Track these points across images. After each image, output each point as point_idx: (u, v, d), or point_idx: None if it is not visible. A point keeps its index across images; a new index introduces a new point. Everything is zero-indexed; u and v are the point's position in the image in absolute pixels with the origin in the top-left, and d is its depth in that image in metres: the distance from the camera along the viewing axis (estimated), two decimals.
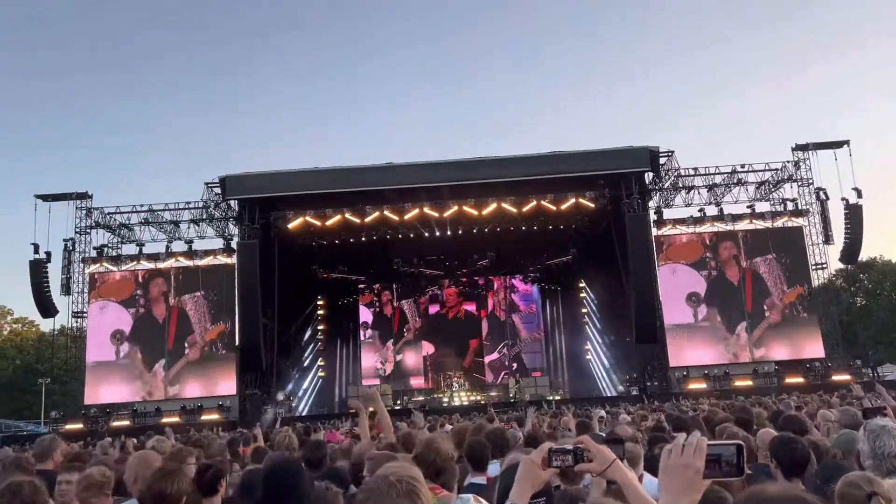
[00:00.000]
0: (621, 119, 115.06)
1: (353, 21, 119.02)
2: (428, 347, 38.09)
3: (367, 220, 29.50)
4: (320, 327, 37.41)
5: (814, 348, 28.42)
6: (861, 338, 43.24)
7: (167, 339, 29.02)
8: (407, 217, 29.38)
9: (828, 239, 29.64)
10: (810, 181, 29.80)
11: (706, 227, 29.61)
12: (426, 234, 31.14)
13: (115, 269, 29.70)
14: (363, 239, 31.40)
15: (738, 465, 1.60)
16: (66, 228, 29.64)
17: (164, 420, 25.06)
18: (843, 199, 29.23)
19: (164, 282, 29.54)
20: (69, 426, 26.48)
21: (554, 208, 29.53)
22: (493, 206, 29.11)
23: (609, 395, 30.99)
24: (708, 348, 28.58)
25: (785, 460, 3.63)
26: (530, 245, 33.66)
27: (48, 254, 29.02)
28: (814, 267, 29.56)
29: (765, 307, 28.86)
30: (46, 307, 29.28)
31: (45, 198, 29.13)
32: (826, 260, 29.99)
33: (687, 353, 28.41)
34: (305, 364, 35.78)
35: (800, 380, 26.65)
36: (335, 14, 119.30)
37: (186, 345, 28.96)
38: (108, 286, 29.51)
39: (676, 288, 28.93)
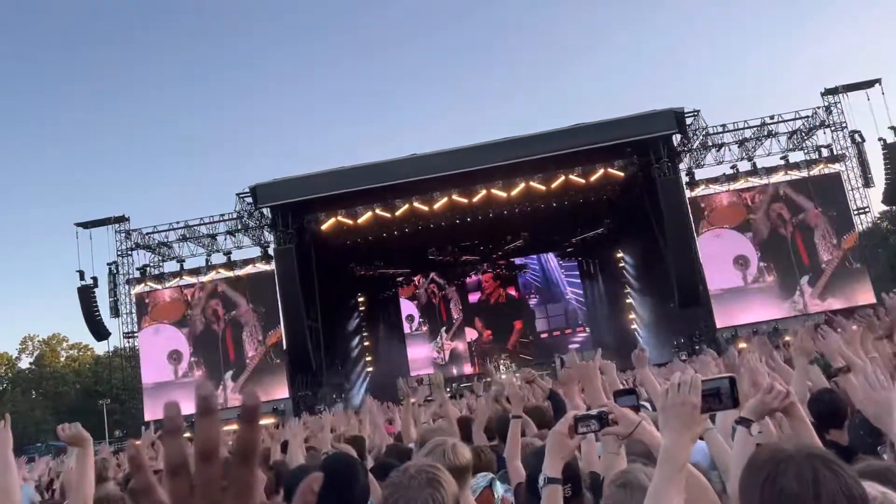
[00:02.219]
0: (642, 82, 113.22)
1: (364, 11, 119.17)
2: (471, 333, 38.25)
3: (398, 213, 29.67)
4: (364, 324, 37.81)
5: (865, 295, 27.76)
6: None
7: (227, 353, 29.62)
8: (436, 206, 29.47)
9: (868, 182, 28.95)
10: (844, 125, 29.04)
11: (741, 184, 29.05)
12: (458, 221, 31.17)
13: (159, 287, 30.39)
14: (395, 233, 31.56)
15: (733, 397, 1.68)
16: (108, 252, 30.49)
17: (224, 428, 25.62)
18: (879, 139, 28.50)
19: (212, 299, 30.11)
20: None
21: (583, 181, 29.31)
22: (521, 186, 29.01)
23: (658, 363, 30.73)
24: (765, 309, 28.05)
25: (822, 412, 3.48)
26: (563, 221, 33.40)
27: (94, 279, 29.89)
28: (856, 212, 28.88)
29: (821, 260, 28.27)
30: (99, 331, 30.19)
31: (84, 225, 29.98)
32: (868, 204, 29.37)
33: (739, 315, 27.92)
34: (354, 361, 36.22)
35: (853, 328, 26.13)
36: (344, 12, 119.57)
37: (247, 357, 29.57)
38: (159, 309, 30.17)
39: (722, 252, 28.39)
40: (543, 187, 29.17)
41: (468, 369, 37.04)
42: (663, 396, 1.70)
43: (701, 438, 3.07)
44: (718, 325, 27.70)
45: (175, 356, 29.61)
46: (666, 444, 1.67)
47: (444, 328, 38.45)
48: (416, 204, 29.29)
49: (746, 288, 28.36)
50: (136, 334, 30.21)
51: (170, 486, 0.63)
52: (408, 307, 38.93)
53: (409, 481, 1.83)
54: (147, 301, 30.26)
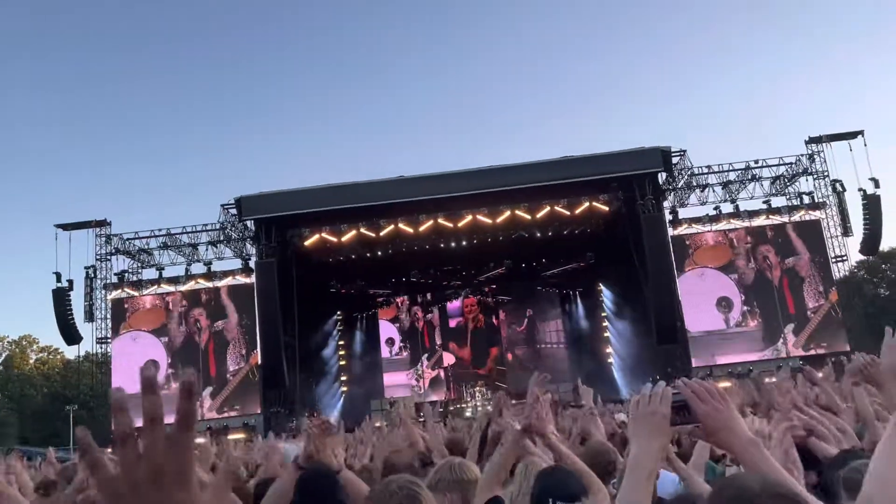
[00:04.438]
0: (631, 120, 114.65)
1: (356, 31, 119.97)
2: (448, 358, 38.05)
3: (382, 234, 29.67)
4: (341, 342, 37.53)
5: (841, 343, 27.95)
6: None
7: (209, 368, 28.92)
8: (421, 229, 29.51)
9: (847, 231, 29.37)
10: (826, 173, 29.57)
11: (722, 225, 29.35)
12: (441, 246, 31.23)
13: (136, 293, 29.99)
14: (379, 253, 31.53)
15: None
16: (87, 256, 30.07)
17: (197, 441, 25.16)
18: (860, 189, 28.98)
19: (195, 308, 29.60)
20: None
21: (568, 213, 29.53)
22: (506, 214, 29.16)
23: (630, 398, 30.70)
24: (747, 354, 27.77)
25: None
26: (546, 251, 33.62)
27: (70, 282, 29.45)
28: (834, 260, 29.27)
29: (807, 308, 28.17)
30: (71, 335, 29.70)
31: (65, 227, 29.63)
32: (846, 252, 29.75)
33: (717, 357, 27.70)
34: (329, 380, 35.89)
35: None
36: (339, 28, 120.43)
37: (229, 373, 28.96)
38: (138, 315, 29.53)
39: (705, 292, 28.18)
40: (529, 216, 29.35)
41: (441, 394, 36.79)
42: (634, 406, 1.73)
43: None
44: (694, 364, 27.76)
45: (152, 366, 28.92)
46: (634, 451, 1.70)
47: (426, 355, 38.14)
48: (401, 225, 29.31)
49: (728, 331, 28.11)
50: (109, 340, 29.71)
51: (120, 454, 0.78)
52: (388, 329, 38.58)
53: (389, 497, 1.86)
54: (126, 306, 29.70)
